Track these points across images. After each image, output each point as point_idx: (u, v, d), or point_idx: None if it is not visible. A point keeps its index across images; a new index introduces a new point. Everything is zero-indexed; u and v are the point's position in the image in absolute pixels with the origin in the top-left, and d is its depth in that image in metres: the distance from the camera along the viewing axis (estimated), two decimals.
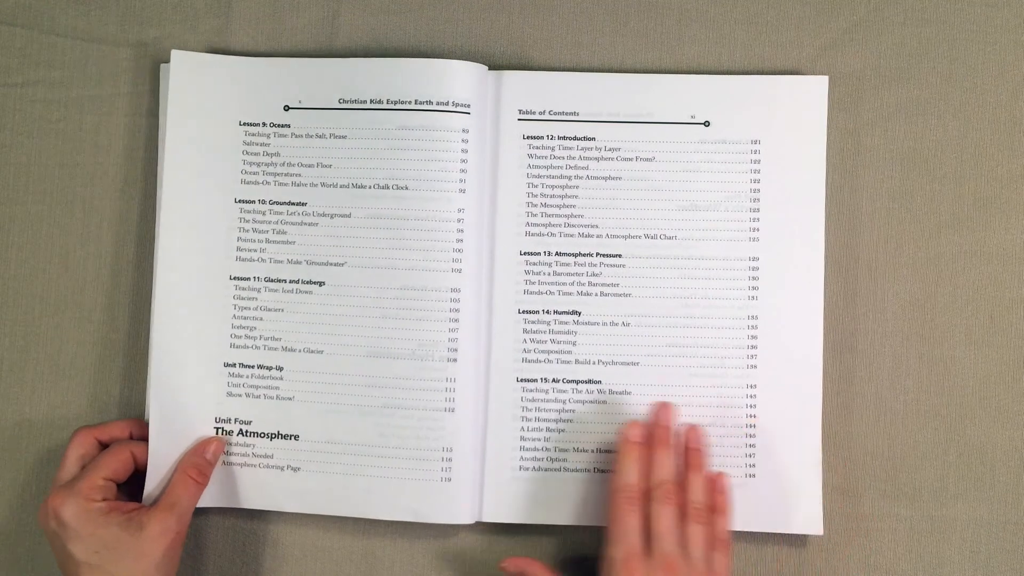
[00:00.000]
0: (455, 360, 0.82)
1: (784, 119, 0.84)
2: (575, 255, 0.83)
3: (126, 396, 0.86)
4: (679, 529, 0.76)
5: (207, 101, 0.85)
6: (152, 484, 0.82)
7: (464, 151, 0.82)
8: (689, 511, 0.77)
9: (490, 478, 0.83)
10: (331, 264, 0.83)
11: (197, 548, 0.85)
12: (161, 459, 0.82)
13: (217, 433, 0.84)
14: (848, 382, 0.84)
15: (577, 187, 0.84)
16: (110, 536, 0.76)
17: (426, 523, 0.83)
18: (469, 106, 0.82)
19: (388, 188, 0.83)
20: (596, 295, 0.83)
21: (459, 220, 0.82)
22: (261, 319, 0.84)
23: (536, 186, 0.84)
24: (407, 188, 0.83)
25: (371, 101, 0.84)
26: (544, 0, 0.86)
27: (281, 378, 0.84)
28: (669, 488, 0.77)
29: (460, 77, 0.83)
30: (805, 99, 0.84)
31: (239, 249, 0.84)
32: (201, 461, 0.82)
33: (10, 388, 0.86)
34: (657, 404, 0.81)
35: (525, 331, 0.83)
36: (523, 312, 0.83)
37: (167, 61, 0.85)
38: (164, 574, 0.77)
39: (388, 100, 0.83)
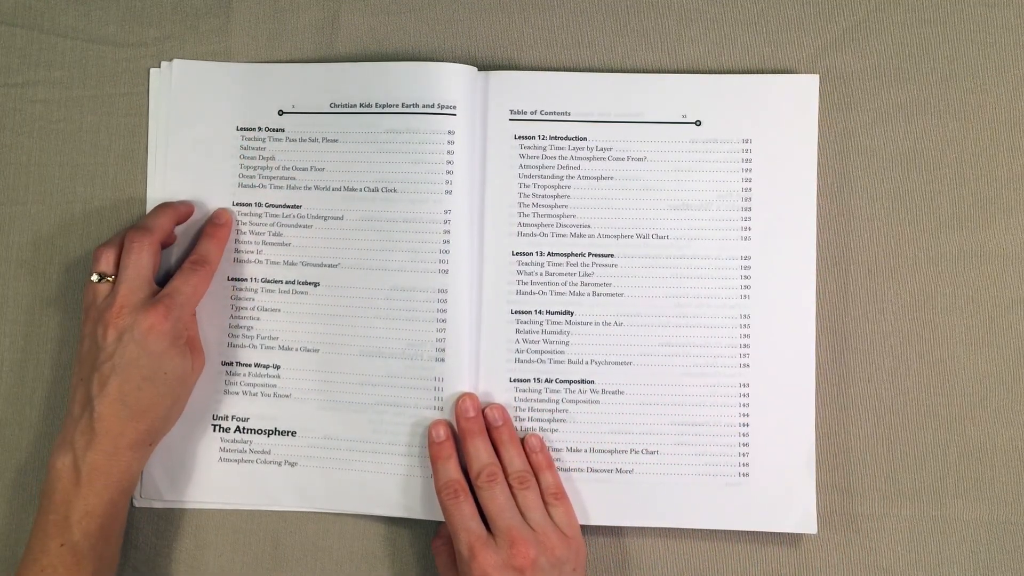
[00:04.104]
0: (443, 360, 0.82)
1: (775, 118, 0.84)
2: (567, 255, 0.84)
3: None
4: (512, 503, 0.78)
5: (206, 107, 0.86)
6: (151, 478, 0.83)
7: (450, 152, 0.82)
8: (512, 482, 0.79)
9: None
10: (325, 265, 0.84)
11: (197, 548, 0.85)
12: (162, 454, 0.83)
13: (215, 431, 0.85)
14: (847, 382, 0.84)
15: (569, 187, 0.84)
16: (170, 367, 0.78)
17: (420, 520, 0.83)
18: (455, 108, 0.82)
19: (378, 191, 0.83)
20: (588, 295, 0.83)
21: (446, 221, 0.82)
22: (258, 319, 0.85)
23: (528, 186, 0.84)
24: (395, 191, 0.83)
25: (361, 105, 0.84)
26: (546, 1, 0.87)
27: (278, 376, 0.84)
28: (490, 470, 0.79)
29: (447, 79, 0.83)
30: (796, 98, 0.84)
31: (236, 251, 0.85)
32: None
33: (11, 388, 0.86)
34: (457, 399, 0.82)
35: (518, 331, 0.83)
36: (515, 312, 0.83)
37: (168, 60, 0.86)
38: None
39: (377, 104, 0.84)
